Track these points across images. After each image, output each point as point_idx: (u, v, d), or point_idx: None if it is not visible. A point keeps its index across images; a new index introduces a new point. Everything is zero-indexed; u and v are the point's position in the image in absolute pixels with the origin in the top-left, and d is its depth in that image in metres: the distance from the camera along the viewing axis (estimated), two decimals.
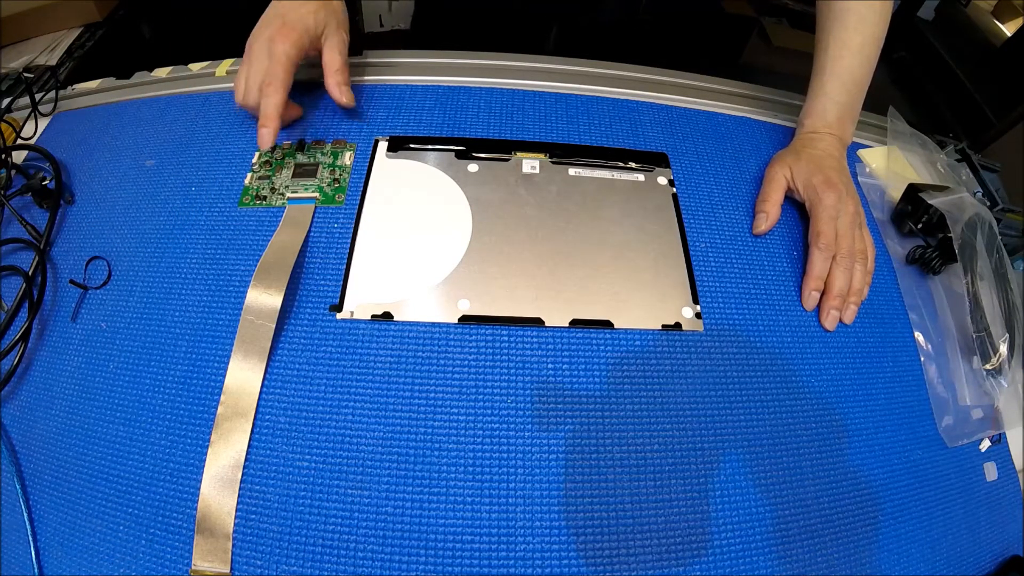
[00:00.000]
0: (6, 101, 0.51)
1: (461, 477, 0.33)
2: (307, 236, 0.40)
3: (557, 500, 0.33)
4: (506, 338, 0.37)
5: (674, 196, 0.45)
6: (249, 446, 0.33)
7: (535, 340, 0.37)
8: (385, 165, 0.44)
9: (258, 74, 0.41)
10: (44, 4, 0.69)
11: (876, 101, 0.53)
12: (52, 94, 0.50)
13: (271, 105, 0.41)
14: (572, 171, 0.45)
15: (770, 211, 0.44)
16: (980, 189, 0.50)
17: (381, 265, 0.39)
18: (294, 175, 0.43)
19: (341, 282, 0.38)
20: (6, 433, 0.35)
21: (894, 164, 0.51)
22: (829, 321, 0.40)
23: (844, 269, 0.41)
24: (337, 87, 0.44)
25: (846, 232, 0.42)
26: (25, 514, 0.32)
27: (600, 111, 0.50)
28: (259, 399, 0.34)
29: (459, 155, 0.45)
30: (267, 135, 0.41)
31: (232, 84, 0.50)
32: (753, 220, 0.45)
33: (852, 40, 0.44)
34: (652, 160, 0.47)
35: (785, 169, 0.45)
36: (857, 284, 0.41)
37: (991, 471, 0.40)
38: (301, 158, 0.44)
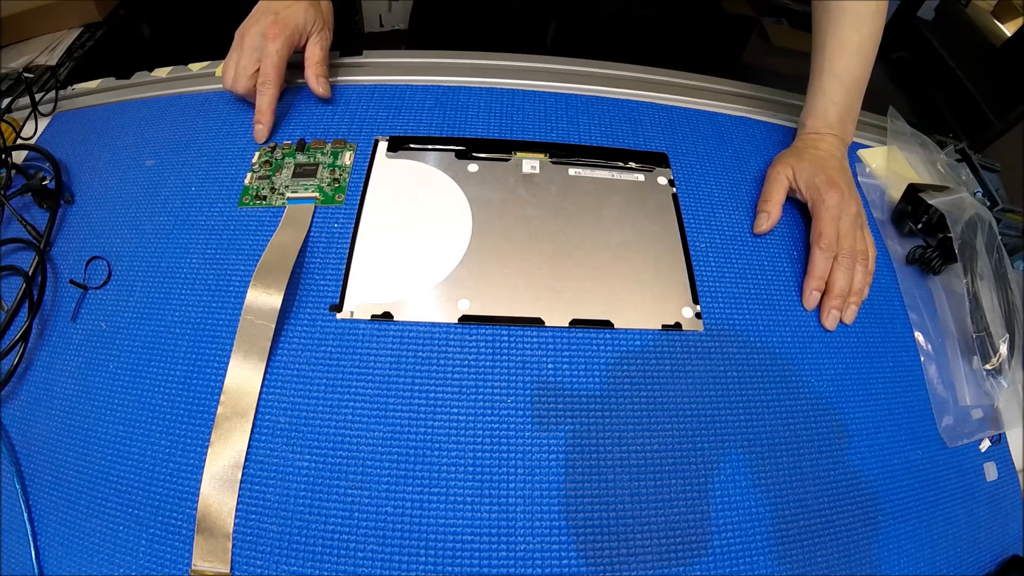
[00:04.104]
0: (6, 101, 0.51)
1: (461, 477, 0.33)
2: (307, 236, 0.40)
3: (557, 500, 0.33)
4: (506, 338, 0.37)
5: (674, 196, 0.45)
6: (249, 446, 0.33)
7: (535, 340, 0.37)
8: (385, 165, 0.44)
9: (249, 66, 0.44)
10: (44, 4, 0.69)
11: (876, 101, 0.53)
12: (52, 94, 0.50)
13: (265, 102, 0.44)
14: (572, 171, 0.45)
15: (772, 211, 0.44)
16: (980, 189, 0.50)
17: (381, 265, 0.39)
18: (294, 175, 0.43)
19: (341, 282, 0.38)
20: (6, 433, 0.35)
21: (894, 164, 0.51)
22: (829, 321, 0.40)
23: (845, 269, 0.41)
24: (315, 78, 0.46)
25: (848, 232, 0.42)
26: (25, 514, 0.32)
27: (600, 111, 0.50)
28: (259, 399, 0.34)
29: (459, 155, 0.45)
30: (262, 131, 0.45)
31: None
32: (754, 220, 0.45)
33: (850, 39, 0.44)
34: (652, 160, 0.47)
35: (787, 169, 0.45)
36: (858, 284, 0.41)
37: (991, 471, 0.40)
38: (301, 158, 0.44)
